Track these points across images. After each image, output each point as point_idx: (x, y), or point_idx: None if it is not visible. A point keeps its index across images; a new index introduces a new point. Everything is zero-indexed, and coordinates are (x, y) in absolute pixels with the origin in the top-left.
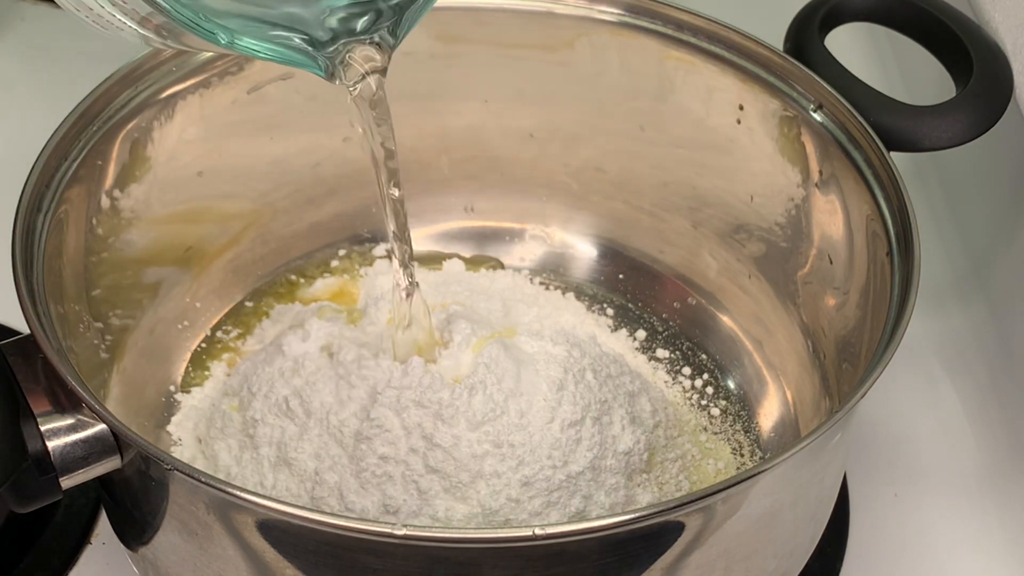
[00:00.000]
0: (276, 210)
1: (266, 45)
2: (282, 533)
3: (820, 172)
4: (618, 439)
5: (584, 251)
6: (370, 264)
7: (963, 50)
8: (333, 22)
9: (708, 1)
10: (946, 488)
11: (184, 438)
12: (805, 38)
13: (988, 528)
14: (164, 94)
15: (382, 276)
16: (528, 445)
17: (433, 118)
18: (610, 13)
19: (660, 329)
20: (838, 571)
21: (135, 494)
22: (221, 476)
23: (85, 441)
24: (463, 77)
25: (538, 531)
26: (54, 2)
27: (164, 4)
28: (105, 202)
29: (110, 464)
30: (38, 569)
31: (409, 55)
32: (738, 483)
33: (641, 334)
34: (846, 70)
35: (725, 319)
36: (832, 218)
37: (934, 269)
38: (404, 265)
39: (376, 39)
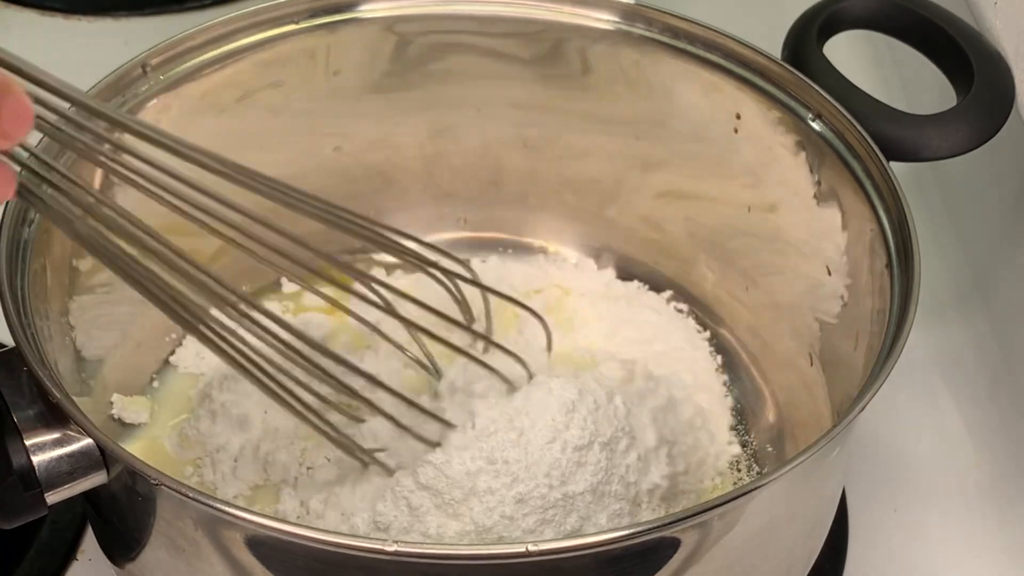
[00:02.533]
0: (264, 222)
1: None
2: (271, 549)
3: (819, 182)
4: (632, 469)
5: (579, 261)
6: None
7: (964, 58)
8: None
9: (705, 8)
10: (946, 502)
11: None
12: (803, 46)
13: (989, 543)
14: (149, 104)
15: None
16: (523, 462)
17: (425, 128)
18: (605, 20)
19: None
20: None
21: (121, 510)
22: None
23: (71, 456)
24: (456, 86)
25: (532, 547)
26: (40, 9)
27: None
28: None
29: (96, 479)
30: None
31: (402, 63)
32: (735, 499)
33: None
34: (845, 78)
35: (722, 332)
36: (831, 229)
37: (934, 281)
38: None
39: None
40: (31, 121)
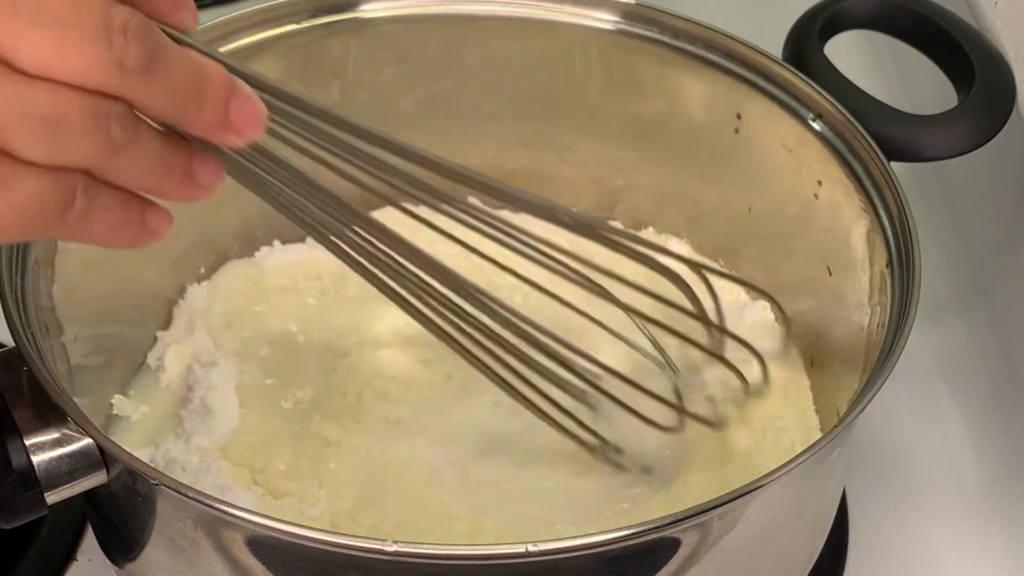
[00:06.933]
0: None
1: None
2: (271, 550)
3: (819, 182)
4: None
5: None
6: None
7: (965, 58)
8: None
9: (706, 8)
10: (947, 502)
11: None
12: (804, 46)
13: (989, 543)
14: None
15: None
16: None
17: (427, 129)
18: (607, 21)
19: None
20: None
21: (121, 510)
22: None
23: (70, 456)
24: (458, 86)
25: (531, 547)
26: None
27: None
28: None
29: (96, 479)
30: None
31: (404, 63)
32: (735, 499)
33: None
34: (846, 78)
35: None
36: (831, 229)
37: (935, 280)
38: None
39: None
40: (263, 121)
